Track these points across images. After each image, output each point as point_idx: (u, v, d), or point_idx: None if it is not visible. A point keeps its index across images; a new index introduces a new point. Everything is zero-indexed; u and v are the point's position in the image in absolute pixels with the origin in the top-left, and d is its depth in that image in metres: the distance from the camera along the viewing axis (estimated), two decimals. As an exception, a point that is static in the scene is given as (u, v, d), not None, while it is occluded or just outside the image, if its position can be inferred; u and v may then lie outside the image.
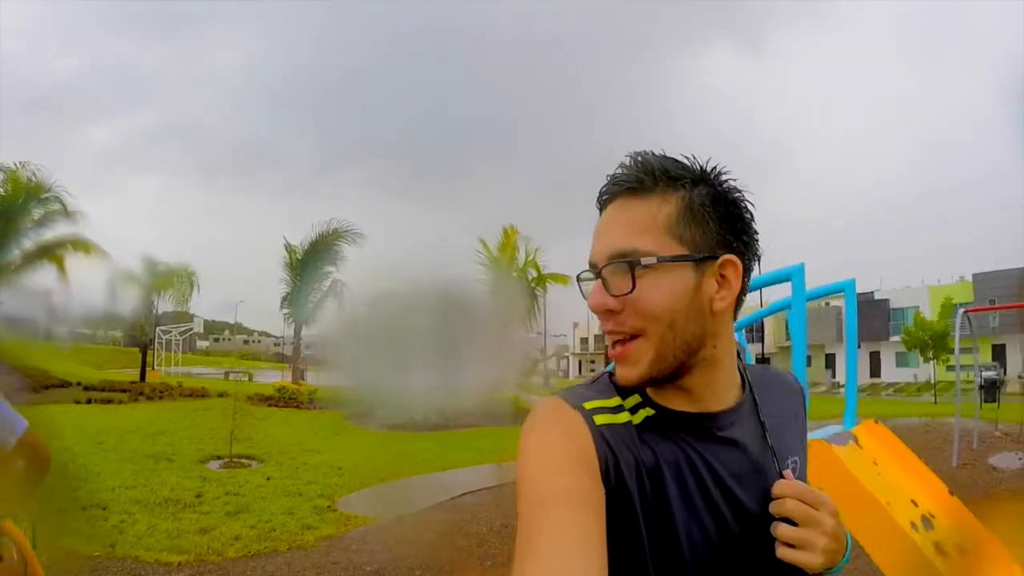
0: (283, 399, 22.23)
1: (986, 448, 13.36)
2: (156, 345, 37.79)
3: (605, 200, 0.99)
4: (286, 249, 28.43)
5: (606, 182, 0.99)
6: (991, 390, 24.34)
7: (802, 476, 1.07)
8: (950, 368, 21.08)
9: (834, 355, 50.57)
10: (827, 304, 51.25)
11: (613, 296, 0.94)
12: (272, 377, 33.73)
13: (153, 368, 32.50)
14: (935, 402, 30.18)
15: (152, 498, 8.46)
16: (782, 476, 1.00)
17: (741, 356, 1.08)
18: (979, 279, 44.40)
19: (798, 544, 0.93)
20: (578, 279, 1.03)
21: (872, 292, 51.03)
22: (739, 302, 0.99)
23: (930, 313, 39.46)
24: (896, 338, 42.65)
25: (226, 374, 35.49)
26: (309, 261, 27.94)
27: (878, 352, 49.68)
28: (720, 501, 0.96)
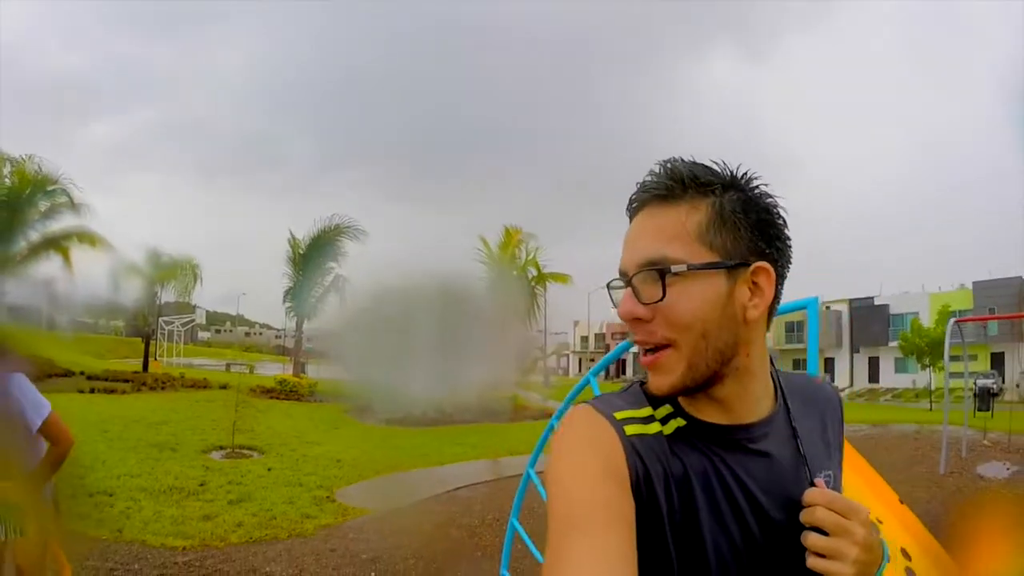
0: (284, 392, 22.44)
1: (975, 457, 13.56)
2: (158, 335, 37.95)
3: (635, 208, 0.98)
4: (290, 243, 28.60)
5: (636, 190, 0.98)
6: (985, 398, 24.48)
7: (837, 489, 1.05)
8: (951, 375, 21.20)
9: (833, 359, 50.72)
10: (828, 308, 51.45)
11: (643, 304, 0.93)
12: (272, 369, 33.89)
13: (155, 358, 32.66)
14: (930, 408, 30.34)
15: (157, 486, 8.72)
16: (813, 485, 0.97)
17: (773, 364, 1.07)
18: (979, 287, 44.49)
19: (828, 554, 0.91)
20: (608, 287, 1.01)
21: (872, 298, 51.22)
22: (772, 310, 0.98)
23: (929, 320, 39.66)
24: (895, 344, 42.75)
25: (227, 366, 35.71)
26: (311, 256, 28.09)
27: (877, 357, 49.78)
28: (749, 514, 0.95)
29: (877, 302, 50.82)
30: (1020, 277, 42.60)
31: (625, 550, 0.81)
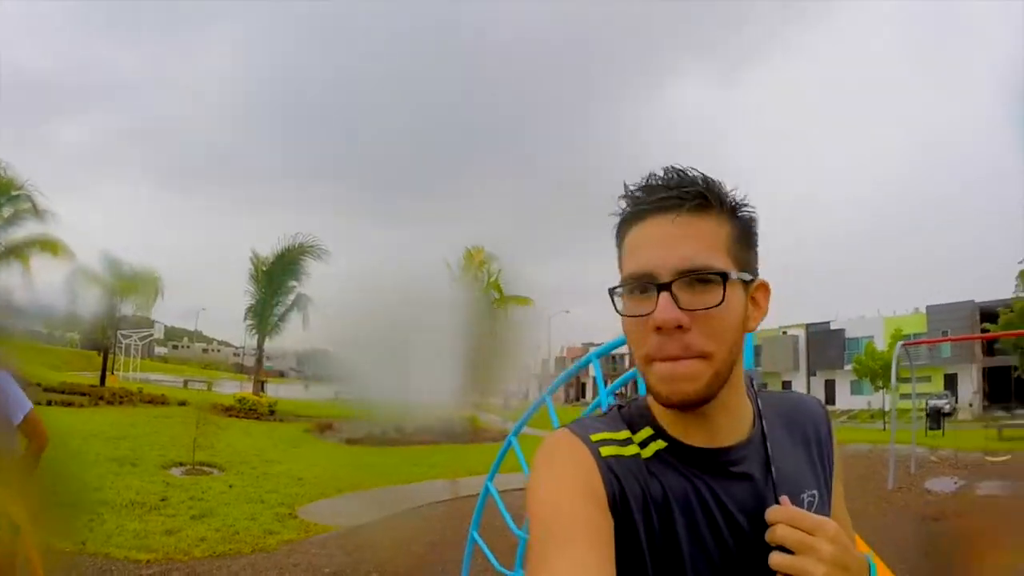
0: (243, 410, 22.38)
1: (924, 472, 14.15)
2: (115, 349, 37.47)
3: (659, 211, 0.93)
4: (252, 261, 28.48)
5: (659, 193, 0.93)
6: (936, 418, 25.38)
7: (822, 509, 1.01)
8: (903, 396, 21.93)
9: (790, 382, 51.43)
10: (784, 333, 52.29)
11: (685, 311, 0.89)
12: (230, 388, 33.64)
13: (112, 373, 32.28)
14: (884, 428, 30.95)
15: (118, 500, 8.73)
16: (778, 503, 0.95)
17: (753, 383, 1.08)
18: (932, 311, 45.74)
19: (794, 574, 0.87)
20: (611, 292, 0.97)
21: (828, 322, 52.19)
22: None
23: (883, 343, 40.49)
24: (851, 367, 43.61)
25: (185, 383, 35.40)
26: (274, 273, 28.02)
27: (833, 380, 50.65)
28: (728, 537, 0.93)
29: (833, 326, 51.85)
30: (972, 301, 43.85)
31: (604, 566, 0.82)
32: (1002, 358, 41.38)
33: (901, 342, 14.92)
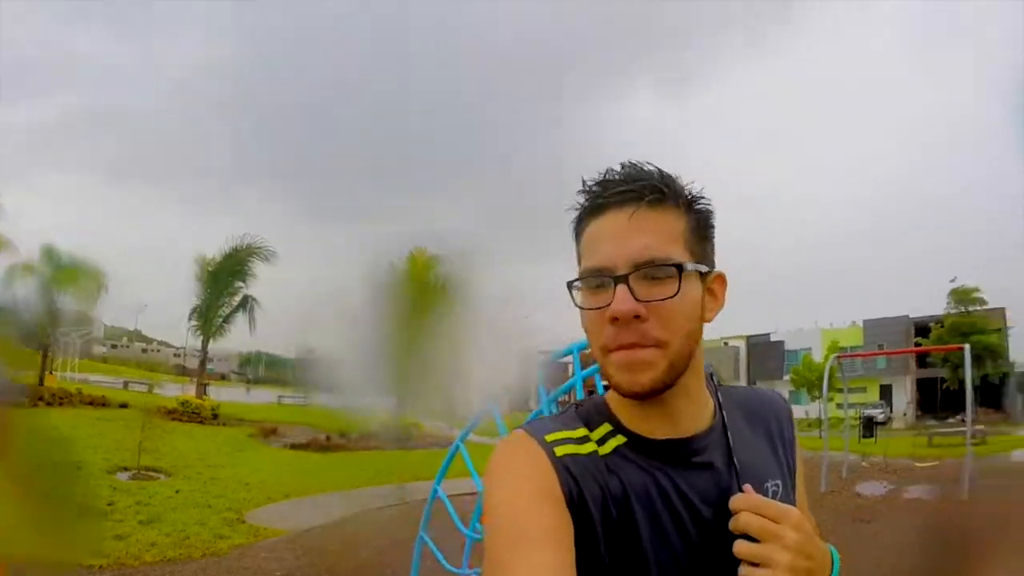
0: (186, 413, 22.07)
1: (856, 477, 14.93)
2: (54, 347, 36.53)
3: (617, 205, 0.95)
4: (196, 262, 28.08)
5: (617, 188, 0.95)
6: (869, 426, 26.53)
7: (786, 499, 1.01)
8: (839, 406, 22.80)
9: (731, 392, 52.14)
10: (725, 344, 53.23)
11: (644, 302, 0.90)
12: (171, 390, 33.11)
13: (50, 372, 31.52)
14: (820, 437, 31.81)
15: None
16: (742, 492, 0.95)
17: (713, 378, 1.08)
18: (869, 324, 47.16)
19: (758, 561, 0.87)
20: (570, 286, 0.98)
21: (768, 334, 53.28)
22: None
23: (821, 355, 41.55)
24: (789, 377, 44.64)
25: (125, 384, 34.73)
26: (220, 274, 27.68)
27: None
28: (691, 528, 0.93)
29: (773, 338, 52.97)
30: (907, 316, 45.40)
31: (563, 567, 0.82)
32: (933, 370, 42.74)
33: (835, 355, 15.67)
